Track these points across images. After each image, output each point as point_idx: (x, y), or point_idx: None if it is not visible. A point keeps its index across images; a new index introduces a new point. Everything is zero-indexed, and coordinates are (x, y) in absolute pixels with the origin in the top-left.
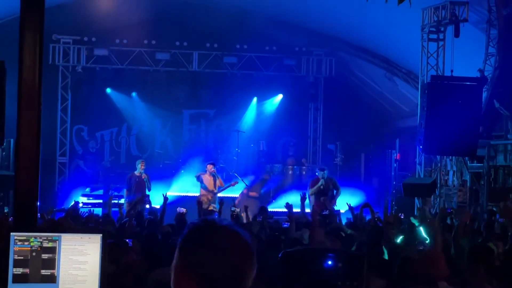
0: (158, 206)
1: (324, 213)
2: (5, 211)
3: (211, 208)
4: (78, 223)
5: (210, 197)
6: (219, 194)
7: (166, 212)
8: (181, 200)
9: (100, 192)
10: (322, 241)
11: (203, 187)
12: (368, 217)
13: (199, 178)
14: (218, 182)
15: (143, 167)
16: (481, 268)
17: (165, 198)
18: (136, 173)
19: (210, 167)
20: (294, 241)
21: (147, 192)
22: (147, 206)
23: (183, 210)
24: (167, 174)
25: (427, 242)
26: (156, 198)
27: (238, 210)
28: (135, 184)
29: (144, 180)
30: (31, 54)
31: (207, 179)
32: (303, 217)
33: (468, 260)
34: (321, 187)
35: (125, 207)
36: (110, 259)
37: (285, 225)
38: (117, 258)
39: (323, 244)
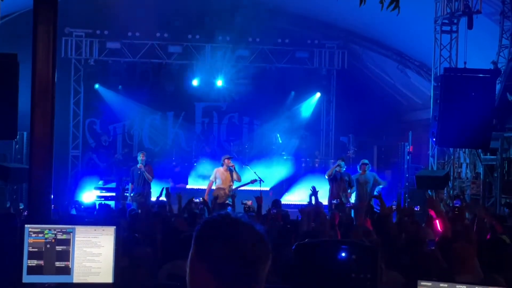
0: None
1: (333, 202)
2: (20, 207)
3: (226, 201)
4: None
5: (227, 192)
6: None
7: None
8: (194, 193)
9: (113, 185)
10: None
11: (217, 182)
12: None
13: (214, 173)
14: (235, 176)
15: (143, 158)
16: (493, 261)
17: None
18: (138, 165)
19: (227, 161)
20: (307, 234)
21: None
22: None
23: (199, 199)
24: (179, 167)
25: None
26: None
27: (249, 203)
28: (138, 176)
29: (138, 172)
30: (44, 48)
31: (223, 173)
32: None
33: (480, 253)
34: (337, 169)
35: (129, 200)
36: (123, 252)
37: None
38: (130, 251)
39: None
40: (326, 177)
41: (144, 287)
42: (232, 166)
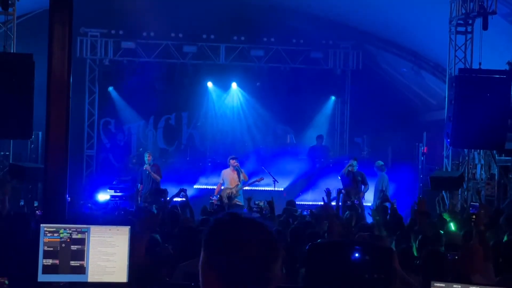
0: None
1: (346, 204)
2: (35, 205)
3: (235, 202)
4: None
5: (234, 192)
6: (246, 188)
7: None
8: (208, 194)
9: (127, 185)
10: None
11: (225, 183)
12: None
13: (222, 175)
14: (242, 176)
15: (149, 158)
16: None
17: (182, 190)
18: (144, 166)
19: (233, 162)
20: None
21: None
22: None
23: (216, 197)
24: (194, 167)
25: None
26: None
27: (262, 203)
28: (146, 177)
29: (146, 172)
30: (60, 47)
31: (230, 174)
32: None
33: (505, 255)
34: (349, 168)
35: (139, 200)
36: (145, 252)
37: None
38: (151, 250)
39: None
40: (339, 177)
41: (161, 286)
42: (236, 165)
